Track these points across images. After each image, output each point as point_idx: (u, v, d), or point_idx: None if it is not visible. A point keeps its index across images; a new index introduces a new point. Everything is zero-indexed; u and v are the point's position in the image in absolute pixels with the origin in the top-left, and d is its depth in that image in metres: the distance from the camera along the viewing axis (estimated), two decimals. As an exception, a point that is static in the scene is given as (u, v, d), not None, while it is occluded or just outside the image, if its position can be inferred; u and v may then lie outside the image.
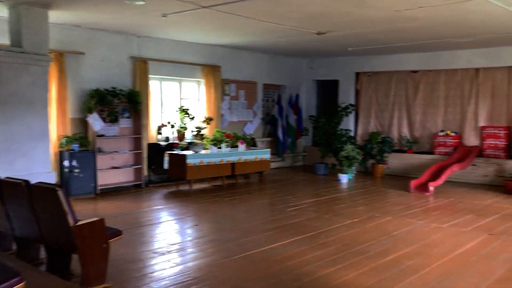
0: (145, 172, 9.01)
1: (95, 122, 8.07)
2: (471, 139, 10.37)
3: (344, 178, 9.98)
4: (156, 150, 9.13)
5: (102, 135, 8.25)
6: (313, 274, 4.32)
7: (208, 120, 9.87)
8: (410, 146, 11.05)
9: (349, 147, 10.13)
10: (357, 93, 12.20)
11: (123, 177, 8.82)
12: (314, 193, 8.74)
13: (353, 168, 10.26)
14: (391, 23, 7.34)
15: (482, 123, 10.24)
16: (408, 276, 4.29)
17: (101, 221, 3.84)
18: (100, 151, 8.24)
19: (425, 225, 6.26)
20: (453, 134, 10.45)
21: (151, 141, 9.19)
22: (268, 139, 11.94)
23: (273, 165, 11.22)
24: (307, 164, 12.51)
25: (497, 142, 9.80)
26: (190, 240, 5.61)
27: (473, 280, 4.23)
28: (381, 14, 6.70)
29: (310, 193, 8.80)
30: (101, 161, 8.29)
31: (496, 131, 9.84)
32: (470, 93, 10.40)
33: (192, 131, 9.72)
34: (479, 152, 10.02)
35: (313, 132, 12.26)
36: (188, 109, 9.64)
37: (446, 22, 7.25)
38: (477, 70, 10.27)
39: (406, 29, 7.84)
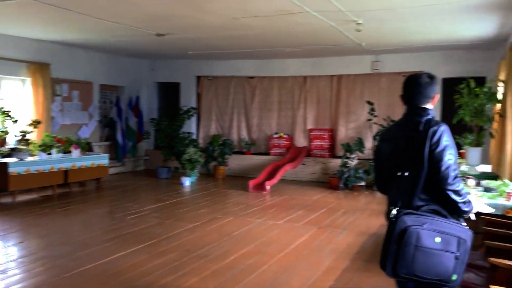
0: (-45, 184, 7.71)
1: None
2: (301, 141, 11.34)
3: (187, 181, 9.98)
4: (-31, 158, 7.88)
5: None
6: (153, 284, 4.19)
7: (36, 124, 8.89)
8: (248, 147, 11.59)
9: (191, 150, 10.17)
10: (199, 96, 12.35)
11: None
12: (156, 198, 8.54)
13: (196, 170, 10.33)
14: (229, 29, 7.58)
15: (309, 125, 11.26)
16: (248, 276, 4.45)
17: None
18: None
19: (263, 223, 6.60)
20: (285, 136, 11.29)
21: (-37, 148, 7.90)
22: (107, 143, 11.29)
23: (112, 170, 10.66)
24: (149, 168, 12.20)
25: (322, 143, 10.88)
26: (14, 260, 4.94)
27: (306, 273, 4.58)
28: (219, 20, 6.86)
29: (152, 199, 8.59)
30: None
31: (321, 133, 10.92)
32: (300, 99, 11.36)
33: (16, 136, 8.64)
34: (308, 152, 11.01)
35: (155, 135, 12.01)
36: (10, 111, 8.54)
37: (278, 32, 7.77)
38: (305, 77, 11.27)
39: (242, 36, 8.18)
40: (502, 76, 6.86)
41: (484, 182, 5.02)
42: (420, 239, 2.27)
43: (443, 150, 2.38)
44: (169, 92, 12.90)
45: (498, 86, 6.62)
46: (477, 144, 6.15)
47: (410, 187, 2.43)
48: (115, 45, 9.79)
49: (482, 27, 7.09)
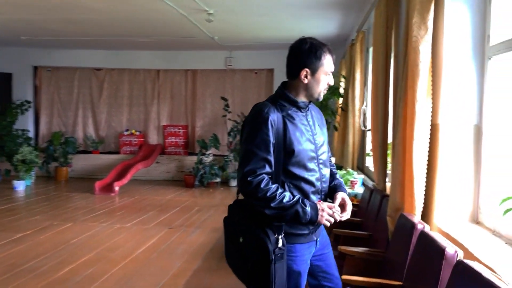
0: None
1: None
2: (154, 138, 10.78)
3: (20, 185, 8.69)
4: None
5: None
6: (-42, 311, 3.35)
7: None
8: (96, 146, 10.62)
9: (26, 149, 8.90)
10: (36, 89, 10.95)
11: None
12: (-22, 206, 7.22)
13: (32, 173, 9.08)
14: (66, 11, 6.70)
15: (164, 122, 10.78)
16: (86, 287, 3.85)
17: None
18: None
19: (108, 227, 5.95)
20: (137, 133, 10.62)
21: None
22: None
23: None
24: (-26, 172, 10.42)
25: (177, 140, 10.49)
26: None
27: (153, 278, 4.14)
28: (53, -2, 6.01)
29: (-27, 207, 7.24)
30: None
31: (176, 130, 10.51)
32: (153, 93, 10.79)
33: None
34: (162, 149, 10.51)
35: (-20, 133, 10.28)
36: None
37: (126, 18, 7.14)
38: (158, 71, 10.74)
39: (84, 21, 7.35)
40: (343, 73, 7.30)
41: (331, 173, 5.17)
42: None
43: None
44: (-1, 84, 11.20)
45: (340, 82, 7.00)
46: (323, 136, 6.39)
47: None
48: None
49: (325, 25, 7.43)
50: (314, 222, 1.99)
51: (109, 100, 10.85)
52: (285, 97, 2.09)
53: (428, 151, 2.67)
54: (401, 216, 2.61)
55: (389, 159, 3.73)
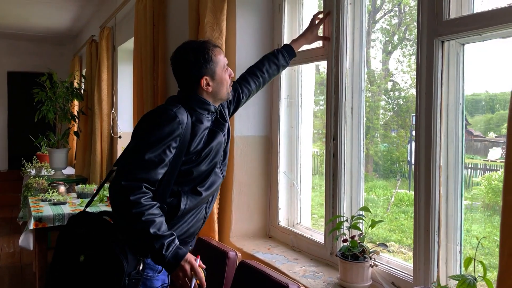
0: None
1: None
2: None
3: None
4: None
5: None
6: None
7: None
8: None
9: None
10: None
11: None
12: None
13: None
14: None
15: None
16: None
17: None
18: None
19: None
20: None
21: None
22: None
23: None
24: None
25: None
26: None
27: None
28: None
29: None
30: None
31: None
32: None
33: None
34: None
35: None
36: None
37: None
38: None
39: None
40: (77, 73, 6.51)
41: (78, 187, 4.41)
42: None
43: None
44: None
45: (77, 82, 6.19)
46: (62, 145, 5.50)
47: None
48: None
49: (56, 15, 6.43)
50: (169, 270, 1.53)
51: None
52: (196, 100, 1.70)
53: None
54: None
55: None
